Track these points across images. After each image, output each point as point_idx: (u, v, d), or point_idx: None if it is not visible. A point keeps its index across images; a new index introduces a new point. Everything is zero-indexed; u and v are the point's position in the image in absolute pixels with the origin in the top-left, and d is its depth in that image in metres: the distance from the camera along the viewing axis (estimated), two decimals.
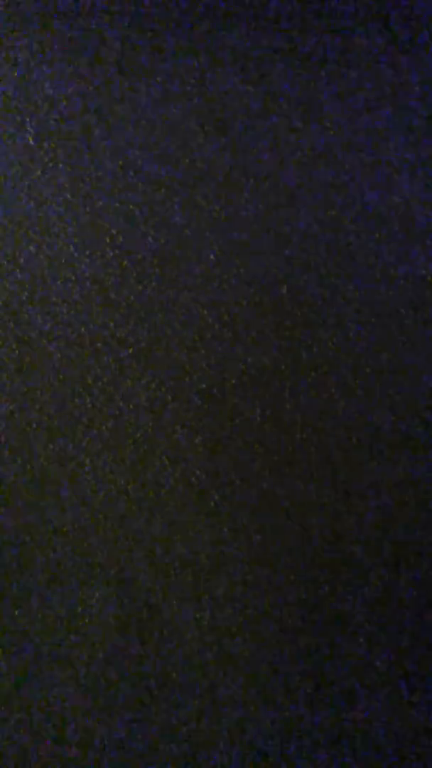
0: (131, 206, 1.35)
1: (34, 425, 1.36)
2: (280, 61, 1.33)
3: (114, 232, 1.35)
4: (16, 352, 1.36)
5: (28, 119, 1.37)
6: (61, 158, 1.36)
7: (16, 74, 1.36)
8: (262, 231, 1.34)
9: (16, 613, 1.36)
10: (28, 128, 1.37)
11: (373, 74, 1.33)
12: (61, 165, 1.36)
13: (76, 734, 1.36)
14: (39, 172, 1.37)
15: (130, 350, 1.35)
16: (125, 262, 1.35)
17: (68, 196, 1.36)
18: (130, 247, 1.35)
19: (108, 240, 1.36)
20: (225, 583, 1.34)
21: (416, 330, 1.32)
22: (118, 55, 1.35)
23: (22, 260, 1.36)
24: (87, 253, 1.36)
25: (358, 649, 1.32)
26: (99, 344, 1.35)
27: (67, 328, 1.36)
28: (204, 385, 1.34)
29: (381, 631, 1.32)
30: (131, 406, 1.35)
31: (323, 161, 1.33)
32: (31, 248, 1.36)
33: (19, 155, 1.37)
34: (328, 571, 1.32)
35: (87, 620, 1.35)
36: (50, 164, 1.36)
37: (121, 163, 1.35)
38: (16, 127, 1.37)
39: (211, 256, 1.34)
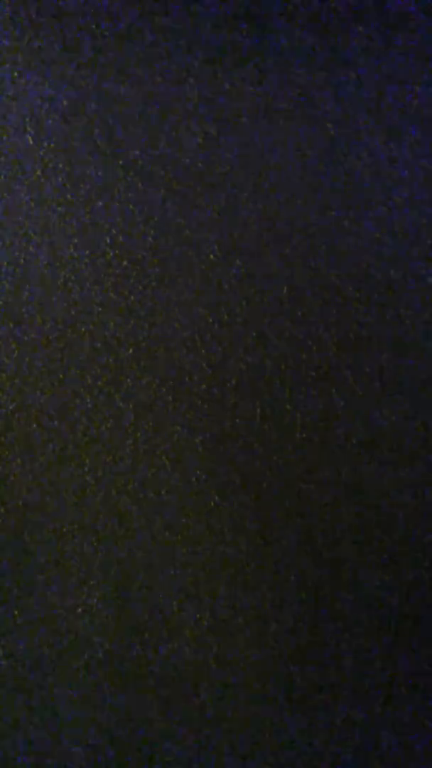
0: (131, 206, 1.35)
1: (34, 425, 1.36)
2: (280, 61, 1.33)
3: (114, 232, 1.36)
4: (16, 352, 1.36)
5: (28, 119, 1.37)
6: (61, 158, 1.36)
7: (16, 74, 1.36)
8: (262, 231, 1.34)
9: (16, 613, 1.36)
10: (28, 128, 1.37)
11: (374, 74, 1.33)
12: (61, 165, 1.36)
13: (76, 734, 1.36)
14: (39, 172, 1.37)
15: (130, 350, 1.35)
16: (125, 262, 1.35)
17: (68, 196, 1.36)
18: (130, 247, 1.35)
19: (108, 240, 1.36)
20: (225, 583, 1.34)
21: (417, 330, 1.32)
22: (118, 55, 1.35)
23: (22, 260, 1.36)
24: (87, 253, 1.36)
25: (358, 649, 1.32)
26: (99, 344, 1.35)
27: (67, 328, 1.36)
28: (204, 385, 1.34)
29: (381, 631, 1.32)
30: (131, 406, 1.35)
31: (323, 161, 1.33)
32: (31, 248, 1.36)
33: (19, 155, 1.37)
34: (328, 571, 1.32)
35: (87, 620, 1.35)
36: (50, 164, 1.36)
37: (121, 163, 1.35)
38: (16, 127, 1.37)
39: (211, 256, 1.34)
